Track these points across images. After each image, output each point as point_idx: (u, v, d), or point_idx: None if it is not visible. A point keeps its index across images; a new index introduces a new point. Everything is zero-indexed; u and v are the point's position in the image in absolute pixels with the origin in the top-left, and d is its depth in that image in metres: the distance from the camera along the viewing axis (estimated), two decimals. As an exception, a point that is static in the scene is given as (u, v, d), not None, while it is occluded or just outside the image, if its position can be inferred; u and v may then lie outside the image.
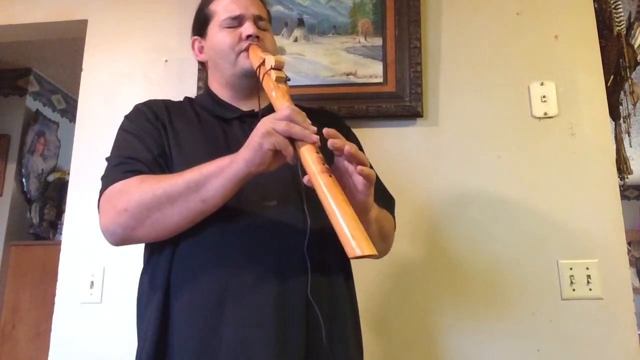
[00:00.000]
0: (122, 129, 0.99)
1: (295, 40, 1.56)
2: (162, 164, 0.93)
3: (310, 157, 0.77)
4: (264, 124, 0.79)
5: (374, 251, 0.68)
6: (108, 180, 0.90)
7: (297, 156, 0.79)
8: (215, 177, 0.82)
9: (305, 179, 0.77)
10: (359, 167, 0.78)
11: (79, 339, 1.44)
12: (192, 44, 1.11)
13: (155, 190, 0.84)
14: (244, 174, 0.81)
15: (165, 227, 0.86)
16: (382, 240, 0.98)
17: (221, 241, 0.87)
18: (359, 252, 0.68)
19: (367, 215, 0.86)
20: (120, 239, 0.89)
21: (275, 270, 0.86)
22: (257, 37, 1.01)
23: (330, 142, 0.78)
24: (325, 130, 0.78)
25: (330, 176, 0.75)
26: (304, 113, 0.81)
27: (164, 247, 0.90)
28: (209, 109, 1.04)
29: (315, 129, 0.80)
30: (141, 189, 0.85)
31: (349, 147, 0.77)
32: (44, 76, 3.28)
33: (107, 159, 0.96)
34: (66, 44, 2.72)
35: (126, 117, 1.01)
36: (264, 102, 0.99)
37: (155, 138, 0.95)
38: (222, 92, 1.06)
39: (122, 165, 0.91)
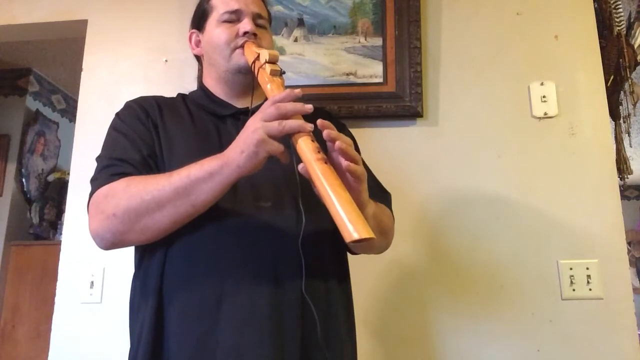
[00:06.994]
0: (113, 128, 0.97)
1: (295, 40, 1.56)
2: (152, 165, 0.91)
3: (305, 146, 0.76)
4: (256, 130, 0.78)
5: (371, 234, 0.67)
6: (96, 183, 0.89)
7: (292, 147, 0.79)
8: (205, 182, 0.80)
9: (300, 167, 0.76)
10: (345, 163, 0.77)
11: (79, 339, 1.44)
12: (189, 37, 1.10)
13: (143, 195, 0.82)
14: (235, 179, 0.80)
15: (156, 231, 0.85)
16: (381, 236, 0.97)
17: (215, 243, 0.86)
18: (356, 236, 0.66)
19: (363, 212, 0.84)
20: (110, 243, 0.87)
21: (271, 272, 0.85)
22: (255, 34, 1.00)
23: (325, 133, 0.77)
24: (320, 122, 0.78)
25: (325, 163, 0.75)
26: (292, 95, 0.80)
27: (155, 249, 0.89)
28: (202, 106, 1.02)
29: (310, 106, 0.79)
30: (128, 193, 0.84)
31: (340, 142, 0.76)
32: (44, 76, 3.28)
33: (97, 159, 0.94)
34: (66, 44, 2.72)
35: (117, 114, 1.00)
36: (259, 99, 0.98)
37: (145, 138, 0.94)
38: (215, 88, 1.05)
39: (110, 167, 0.90)
